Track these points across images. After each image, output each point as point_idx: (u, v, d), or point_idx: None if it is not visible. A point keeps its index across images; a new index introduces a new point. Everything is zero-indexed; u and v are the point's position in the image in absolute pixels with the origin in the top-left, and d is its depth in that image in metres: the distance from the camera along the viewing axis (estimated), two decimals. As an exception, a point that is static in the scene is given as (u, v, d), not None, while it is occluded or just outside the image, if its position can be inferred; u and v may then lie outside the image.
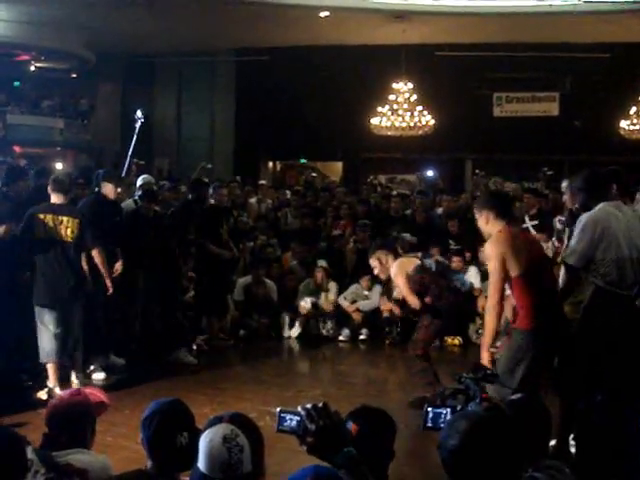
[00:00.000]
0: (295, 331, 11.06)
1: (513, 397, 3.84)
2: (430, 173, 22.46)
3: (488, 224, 5.48)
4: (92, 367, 8.40)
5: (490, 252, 5.36)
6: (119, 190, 9.82)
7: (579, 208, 5.69)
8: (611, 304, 5.27)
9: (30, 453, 3.21)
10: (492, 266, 5.32)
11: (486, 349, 5.26)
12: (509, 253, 5.21)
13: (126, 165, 10.60)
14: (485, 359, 5.17)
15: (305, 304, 11.13)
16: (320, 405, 2.50)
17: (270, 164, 26.35)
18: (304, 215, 12.89)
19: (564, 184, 6.72)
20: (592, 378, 5.20)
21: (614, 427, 4.18)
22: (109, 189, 8.86)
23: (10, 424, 5.65)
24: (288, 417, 2.54)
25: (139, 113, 11.24)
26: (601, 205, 5.36)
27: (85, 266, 7.92)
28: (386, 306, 10.86)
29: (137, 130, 11.02)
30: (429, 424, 3.08)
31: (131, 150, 10.79)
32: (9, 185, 8.64)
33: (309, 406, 2.49)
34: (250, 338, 10.97)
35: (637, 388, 4.85)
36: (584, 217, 5.34)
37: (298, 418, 2.51)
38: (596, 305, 5.33)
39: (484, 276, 9.49)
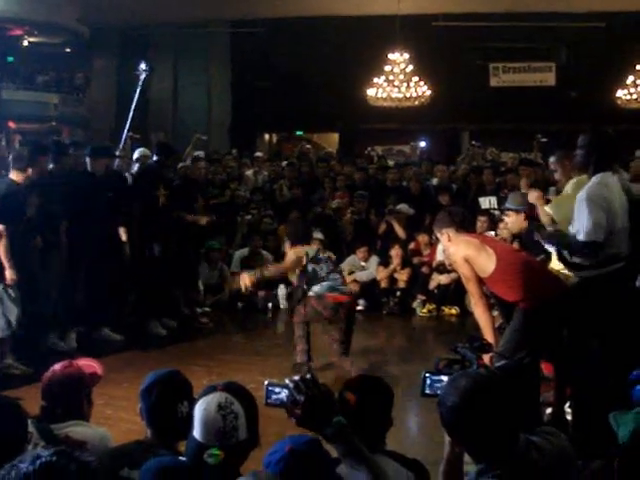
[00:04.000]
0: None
1: (499, 363, 3.88)
2: (422, 143, 22.40)
3: (451, 240, 5.75)
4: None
5: (455, 258, 5.69)
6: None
7: (578, 168, 5.62)
8: (601, 285, 5.21)
9: (30, 426, 3.23)
10: (462, 272, 5.64)
11: (491, 338, 5.28)
12: (471, 255, 5.49)
13: (124, 135, 10.38)
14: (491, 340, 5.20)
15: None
16: (308, 377, 2.50)
17: (267, 136, 26.26)
18: (294, 185, 12.89)
19: (552, 159, 6.64)
20: (590, 348, 5.22)
21: (612, 391, 4.22)
22: (98, 163, 8.87)
23: (16, 396, 5.70)
24: (276, 390, 2.55)
25: (143, 65, 10.84)
26: (600, 176, 5.22)
27: None
28: (383, 275, 10.95)
29: (141, 83, 10.66)
30: (427, 390, 3.11)
31: (133, 106, 10.43)
32: None
33: (296, 378, 2.49)
34: (247, 310, 11.01)
35: (632, 357, 4.86)
36: (586, 190, 5.17)
37: (286, 391, 2.52)
38: (591, 283, 5.30)
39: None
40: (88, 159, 8.98)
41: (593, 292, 5.18)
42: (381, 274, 11.05)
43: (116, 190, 9.21)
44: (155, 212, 9.35)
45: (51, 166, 8.61)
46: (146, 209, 9.30)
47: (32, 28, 20.62)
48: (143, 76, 10.73)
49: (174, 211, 9.59)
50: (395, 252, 11.01)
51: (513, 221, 6.93)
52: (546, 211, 6.31)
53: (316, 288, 7.62)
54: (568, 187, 6.08)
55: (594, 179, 5.23)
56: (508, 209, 6.95)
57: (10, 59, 22.08)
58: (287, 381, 2.51)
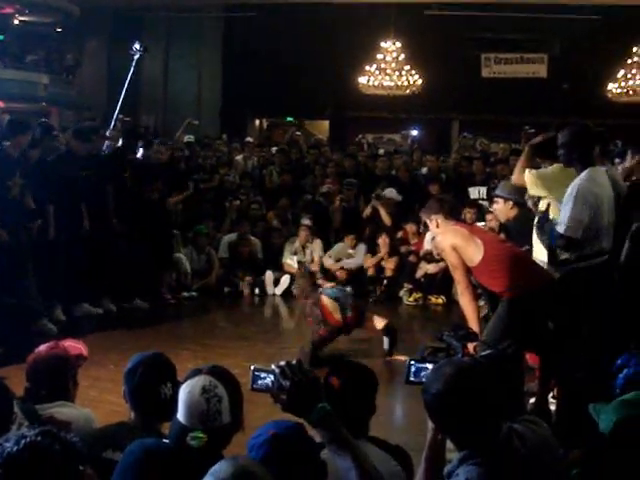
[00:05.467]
0: (280, 289, 11.11)
1: (484, 353, 3.91)
2: (414, 132, 22.39)
3: (439, 227, 5.78)
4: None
5: (443, 246, 5.73)
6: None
7: (564, 164, 5.58)
8: (584, 277, 5.20)
9: (14, 406, 3.23)
10: (449, 260, 5.67)
11: (476, 327, 5.31)
12: (459, 244, 5.52)
13: (115, 117, 10.34)
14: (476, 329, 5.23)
15: (291, 262, 11.18)
16: (294, 362, 2.50)
17: (257, 122, 26.21)
18: (284, 172, 12.88)
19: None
20: (575, 339, 5.24)
21: (596, 381, 4.25)
22: (76, 145, 8.93)
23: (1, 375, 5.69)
24: (262, 375, 2.53)
25: (137, 45, 10.71)
26: (590, 171, 5.19)
27: None
28: (370, 262, 10.97)
29: (134, 64, 10.56)
30: (412, 378, 3.11)
31: (126, 87, 10.35)
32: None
33: (283, 363, 2.49)
34: (234, 295, 11.01)
35: (614, 348, 4.88)
36: (577, 185, 5.14)
37: (272, 376, 2.51)
38: (573, 275, 5.31)
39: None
40: (72, 140, 9.07)
41: (578, 283, 5.19)
42: (368, 262, 11.06)
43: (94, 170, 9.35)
44: (123, 194, 9.56)
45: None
46: (116, 191, 9.50)
47: (23, 7, 20.46)
48: (137, 56, 10.63)
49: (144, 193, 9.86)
50: (382, 240, 11.02)
51: (501, 208, 6.93)
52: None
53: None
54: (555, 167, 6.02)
55: (583, 175, 5.21)
56: (498, 196, 6.96)
57: (0, 38, 21.92)
58: (273, 366, 2.50)
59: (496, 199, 7.00)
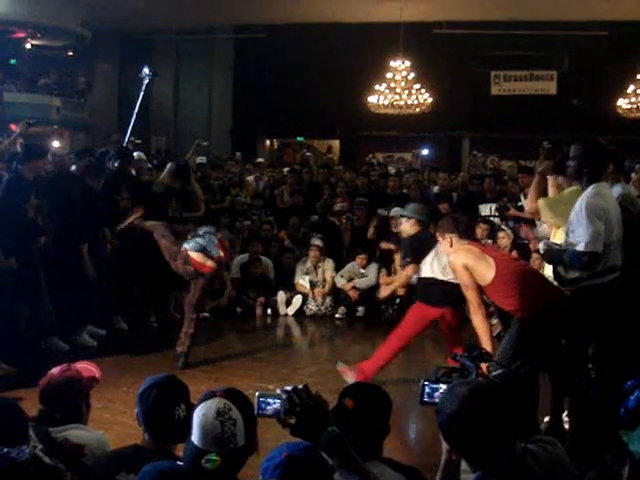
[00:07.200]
0: (292, 309, 11.10)
1: (495, 372, 3.89)
2: (425, 151, 22.41)
3: (453, 246, 5.91)
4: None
5: (454, 266, 5.74)
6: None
7: (571, 177, 5.55)
8: (596, 295, 5.15)
9: (29, 429, 3.24)
10: (461, 279, 5.70)
11: (488, 346, 5.31)
12: (470, 263, 5.56)
13: (126, 139, 10.39)
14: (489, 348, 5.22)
15: (303, 282, 11.17)
16: (300, 387, 2.49)
17: (267, 142, 26.29)
18: (295, 192, 12.89)
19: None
20: (586, 356, 5.21)
21: (608, 401, 4.22)
22: (90, 181, 9.05)
23: (14, 397, 5.70)
24: (268, 400, 2.53)
25: (146, 70, 10.74)
26: (595, 187, 5.12)
27: None
28: (385, 282, 10.92)
29: (144, 88, 10.59)
30: (426, 399, 3.10)
31: (136, 111, 10.40)
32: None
33: (289, 388, 2.48)
34: (247, 316, 11.01)
35: (628, 367, 4.85)
36: (585, 201, 5.06)
37: (279, 401, 2.50)
38: (586, 293, 5.27)
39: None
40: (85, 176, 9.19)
41: (590, 302, 5.16)
42: (384, 280, 10.98)
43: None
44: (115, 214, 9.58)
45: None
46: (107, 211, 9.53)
47: (35, 31, 20.67)
48: (146, 81, 10.69)
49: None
50: (399, 257, 10.93)
51: (406, 228, 7.55)
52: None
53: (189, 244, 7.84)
54: (566, 192, 6.00)
55: (590, 189, 5.14)
56: (402, 215, 7.59)
57: (13, 62, 22.12)
58: (279, 391, 2.50)
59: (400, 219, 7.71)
